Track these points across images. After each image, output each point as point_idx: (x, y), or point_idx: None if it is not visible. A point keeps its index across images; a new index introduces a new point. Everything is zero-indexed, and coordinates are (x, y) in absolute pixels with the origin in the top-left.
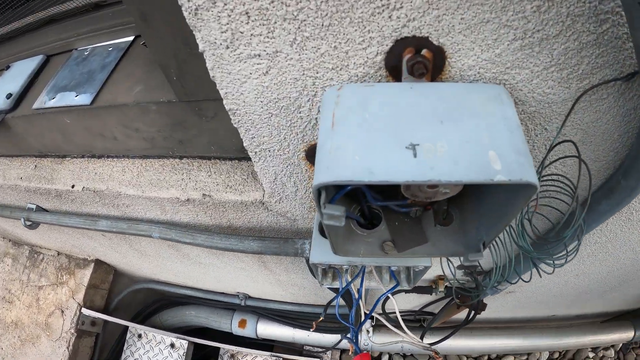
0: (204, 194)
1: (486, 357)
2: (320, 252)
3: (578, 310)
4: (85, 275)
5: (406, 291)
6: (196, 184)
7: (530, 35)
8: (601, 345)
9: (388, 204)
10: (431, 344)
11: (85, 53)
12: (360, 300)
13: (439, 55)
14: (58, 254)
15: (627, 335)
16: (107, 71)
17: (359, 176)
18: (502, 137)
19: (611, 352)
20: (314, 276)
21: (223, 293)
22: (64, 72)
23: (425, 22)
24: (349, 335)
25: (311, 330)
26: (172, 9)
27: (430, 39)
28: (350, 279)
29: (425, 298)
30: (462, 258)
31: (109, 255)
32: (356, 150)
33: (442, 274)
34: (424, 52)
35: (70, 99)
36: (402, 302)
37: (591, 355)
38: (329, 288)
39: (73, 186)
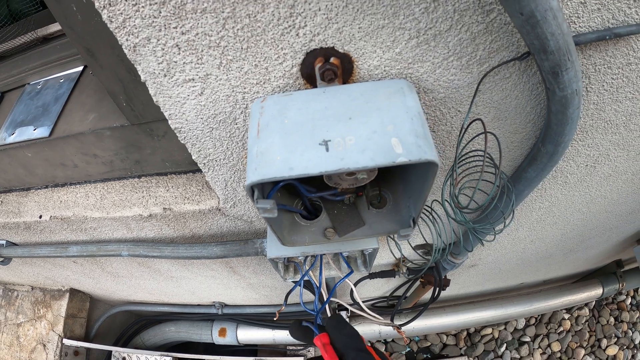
0: (164, 208)
1: (465, 332)
2: (276, 248)
3: (545, 276)
4: (61, 306)
5: (371, 277)
6: (156, 199)
7: (424, 32)
8: (573, 305)
9: (322, 194)
10: (402, 325)
11: (38, 87)
12: (321, 289)
13: (346, 60)
14: (32, 289)
15: (596, 292)
16: (61, 103)
17: (281, 173)
18: (403, 125)
19: (585, 311)
20: (276, 269)
21: (199, 305)
22: (19, 107)
23: (328, 35)
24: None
25: (274, 319)
26: (113, 44)
27: (335, 48)
28: (307, 269)
29: (394, 283)
30: (395, 235)
31: (82, 282)
32: (278, 151)
33: (402, 256)
34: (332, 59)
35: (29, 133)
36: (372, 290)
37: (566, 316)
38: (292, 282)
39: (40, 216)
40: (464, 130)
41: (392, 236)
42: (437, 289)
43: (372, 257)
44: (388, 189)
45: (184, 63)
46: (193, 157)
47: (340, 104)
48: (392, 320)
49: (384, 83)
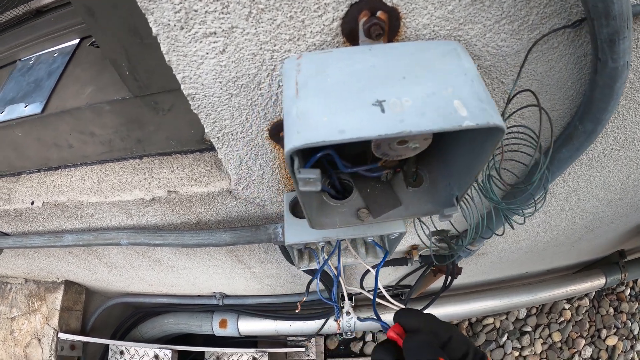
0: (169, 191)
1: (466, 322)
2: (295, 232)
3: (549, 265)
4: (56, 298)
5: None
6: (160, 181)
7: None
8: (575, 295)
9: (359, 169)
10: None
11: (30, 62)
12: (340, 277)
13: (394, 16)
14: (26, 281)
15: (599, 282)
16: (54, 78)
17: (330, 136)
18: (463, 88)
19: (586, 302)
20: (289, 261)
21: (199, 296)
22: (9, 84)
23: None
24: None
25: (296, 311)
26: (116, 2)
27: (384, 0)
28: (326, 257)
29: (401, 272)
30: (438, 216)
31: (78, 274)
32: (324, 112)
33: (416, 243)
34: (379, 13)
35: (20, 110)
36: (378, 278)
37: (567, 306)
38: (305, 271)
39: (32, 203)
40: (509, 100)
41: (420, 219)
42: (450, 277)
43: (396, 243)
44: (424, 167)
45: (206, 12)
46: (206, 130)
47: (389, 63)
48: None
49: (434, 44)
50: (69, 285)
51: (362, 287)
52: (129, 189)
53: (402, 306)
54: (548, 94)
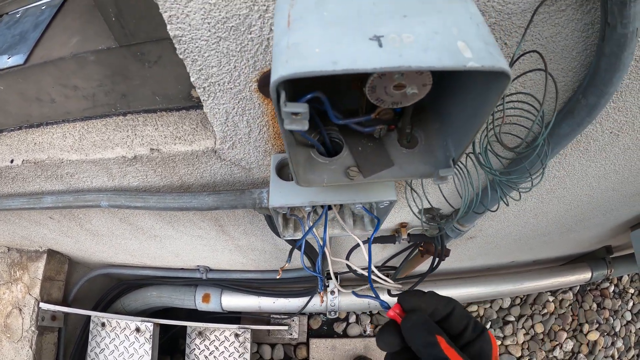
0: (151, 149)
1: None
2: (280, 194)
3: (536, 256)
4: (38, 267)
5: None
6: (143, 139)
7: None
8: (561, 287)
9: (351, 121)
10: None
11: (17, 16)
12: (325, 248)
13: None
14: (8, 250)
15: (585, 276)
16: (40, 29)
17: (322, 66)
18: (469, 30)
19: (570, 295)
20: (274, 231)
21: (183, 269)
22: None
23: None
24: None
25: (277, 277)
26: None
27: None
28: (312, 224)
29: (388, 252)
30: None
31: (60, 242)
32: (316, 44)
33: (405, 221)
34: None
35: (3, 62)
36: (363, 259)
37: (551, 299)
38: (288, 241)
39: (12, 161)
40: (512, 62)
41: (410, 185)
42: (437, 258)
43: (386, 213)
44: (420, 128)
45: None
46: (192, 79)
47: (390, 0)
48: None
49: None
50: (51, 254)
51: (348, 266)
52: (110, 146)
53: (392, 282)
54: (552, 63)
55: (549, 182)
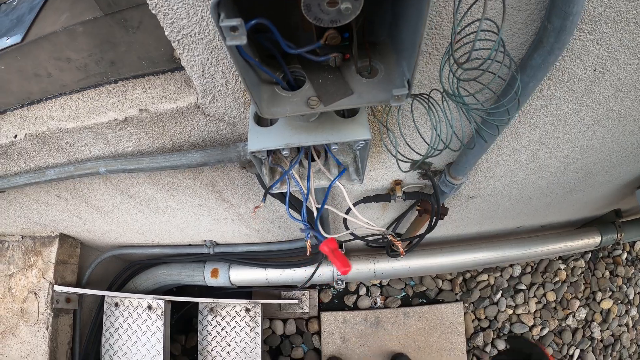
0: (140, 109)
1: (461, 278)
2: (257, 140)
3: (543, 219)
4: (52, 252)
5: (365, 201)
6: (132, 102)
7: None
8: (570, 252)
9: (303, 50)
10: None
11: (14, 3)
12: (309, 195)
13: None
14: (22, 238)
15: (594, 240)
16: (35, 12)
17: None
18: None
19: (581, 263)
20: (264, 187)
21: (190, 245)
22: None
23: None
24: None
25: (252, 214)
26: None
27: None
28: (297, 178)
29: (389, 217)
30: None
31: (70, 224)
32: None
33: (399, 178)
34: None
35: (2, 43)
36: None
37: (562, 267)
38: (276, 197)
39: (16, 136)
40: None
41: (385, 125)
42: (435, 217)
43: (364, 156)
44: (380, 60)
45: None
46: (166, 33)
47: None
48: (387, 253)
49: None
50: (63, 238)
51: (347, 228)
52: (103, 111)
53: (374, 225)
54: None
55: (540, 129)
